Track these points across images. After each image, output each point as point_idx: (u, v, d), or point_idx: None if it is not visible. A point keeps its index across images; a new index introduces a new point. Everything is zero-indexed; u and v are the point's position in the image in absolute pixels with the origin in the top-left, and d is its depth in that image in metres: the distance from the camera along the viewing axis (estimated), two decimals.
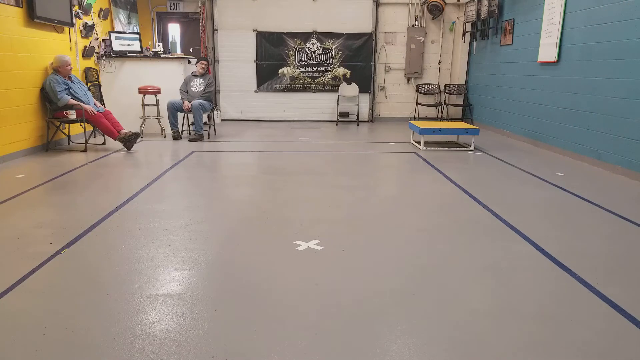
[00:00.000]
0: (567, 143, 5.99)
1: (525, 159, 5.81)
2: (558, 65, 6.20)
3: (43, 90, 5.88)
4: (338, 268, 2.67)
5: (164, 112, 7.14)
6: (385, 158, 6.05)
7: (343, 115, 9.51)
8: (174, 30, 9.47)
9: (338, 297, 2.33)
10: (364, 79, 9.57)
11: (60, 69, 5.87)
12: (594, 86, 5.46)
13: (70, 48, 6.64)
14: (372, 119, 9.82)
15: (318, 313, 2.18)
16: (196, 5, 9.36)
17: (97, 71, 7.37)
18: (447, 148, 6.51)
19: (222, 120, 9.53)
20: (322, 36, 9.38)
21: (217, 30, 9.34)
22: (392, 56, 9.59)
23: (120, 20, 8.36)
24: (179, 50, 8.25)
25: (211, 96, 7.28)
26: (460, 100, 9.65)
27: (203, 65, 7.20)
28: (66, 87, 5.89)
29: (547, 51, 6.39)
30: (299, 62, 9.48)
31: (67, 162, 5.40)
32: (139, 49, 7.62)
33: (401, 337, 2.00)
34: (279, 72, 9.52)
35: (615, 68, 5.09)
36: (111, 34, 7.44)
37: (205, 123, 7.24)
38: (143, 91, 7.12)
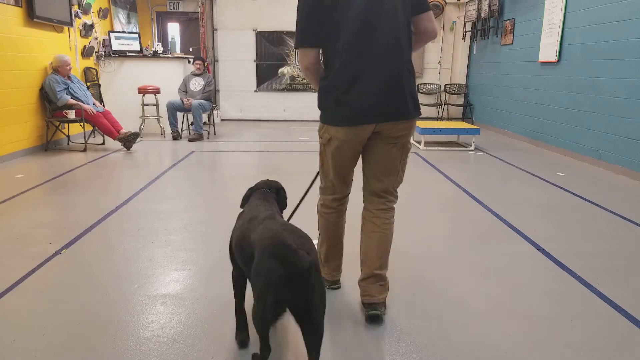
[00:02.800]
0: (567, 143, 5.98)
1: (526, 159, 5.80)
2: (558, 64, 6.20)
3: (42, 90, 5.87)
4: None
5: (164, 111, 7.13)
6: None
7: None
8: (174, 29, 9.48)
9: (338, 297, 2.33)
10: None
11: (59, 69, 5.86)
12: (594, 86, 5.46)
13: (70, 48, 6.63)
14: None
15: None
16: (196, 4, 9.36)
17: (96, 71, 7.36)
18: (447, 148, 6.51)
19: (221, 120, 9.52)
20: None
21: (216, 29, 9.33)
22: None
23: (120, 19, 8.36)
24: (178, 50, 8.25)
25: (211, 95, 7.26)
26: (461, 100, 9.64)
27: (198, 65, 7.17)
28: (65, 86, 5.88)
29: (548, 51, 6.39)
30: (298, 62, 9.45)
31: (66, 162, 5.40)
32: (139, 49, 7.62)
33: (401, 337, 1.99)
34: (279, 71, 9.51)
35: (616, 68, 5.09)
36: (111, 33, 7.43)
37: (204, 123, 7.23)
38: (142, 91, 7.12)
